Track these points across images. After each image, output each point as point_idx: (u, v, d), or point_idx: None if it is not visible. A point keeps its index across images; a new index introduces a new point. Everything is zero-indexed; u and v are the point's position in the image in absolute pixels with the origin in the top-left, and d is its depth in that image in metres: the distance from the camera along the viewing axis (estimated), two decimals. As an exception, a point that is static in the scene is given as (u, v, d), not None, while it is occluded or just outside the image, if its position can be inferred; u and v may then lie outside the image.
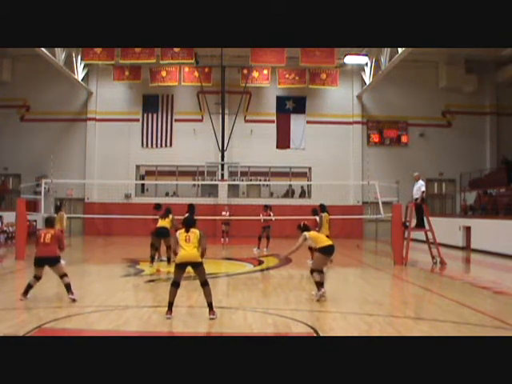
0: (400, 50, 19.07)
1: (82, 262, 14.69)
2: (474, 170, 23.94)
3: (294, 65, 23.13)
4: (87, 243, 21.24)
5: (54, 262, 7.75)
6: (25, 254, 13.46)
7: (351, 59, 23.53)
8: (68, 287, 7.72)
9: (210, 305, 6.60)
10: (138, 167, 25.98)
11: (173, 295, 6.63)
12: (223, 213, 19.55)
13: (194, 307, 7.35)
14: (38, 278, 7.74)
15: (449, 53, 23.97)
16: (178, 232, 6.83)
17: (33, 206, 20.62)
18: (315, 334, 5.70)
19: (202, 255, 6.71)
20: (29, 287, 7.66)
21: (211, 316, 6.51)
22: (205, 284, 6.64)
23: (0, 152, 24.71)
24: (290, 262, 13.27)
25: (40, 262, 7.74)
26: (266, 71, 24.08)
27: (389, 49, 20.60)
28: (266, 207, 16.78)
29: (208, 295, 6.62)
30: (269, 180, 25.74)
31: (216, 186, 24.78)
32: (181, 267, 6.66)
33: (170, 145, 25.69)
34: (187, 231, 6.73)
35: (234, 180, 25.17)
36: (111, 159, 25.31)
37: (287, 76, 24.08)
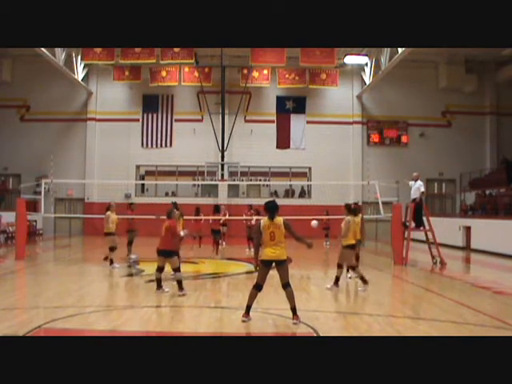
0: (400, 50, 19.08)
1: (81, 261, 14.73)
2: (474, 170, 23.94)
3: (294, 65, 23.15)
4: (87, 243, 21.23)
5: (167, 254, 8.03)
6: (25, 254, 13.49)
7: (351, 59, 23.53)
8: (179, 283, 8.01)
9: (292, 309, 6.15)
10: (137, 167, 26.00)
11: (252, 298, 6.22)
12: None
13: (194, 307, 7.35)
14: (159, 268, 8.09)
15: (449, 53, 24.00)
16: (262, 224, 6.14)
17: (33, 206, 20.64)
18: (315, 334, 5.70)
19: (301, 240, 6.15)
20: (158, 281, 8.11)
21: (294, 321, 6.09)
22: (286, 286, 6.16)
23: (0, 152, 24.73)
24: (290, 262, 13.23)
25: (158, 253, 8.13)
26: (265, 71, 24.09)
27: (389, 49, 20.61)
28: (250, 207, 16.63)
29: (290, 299, 6.15)
30: (269, 180, 25.74)
31: (216, 185, 24.78)
32: (266, 264, 6.14)
33: (170, 145, 25.71)
34: (272, 218, 6.07)
35: (234, 180, 25.16)
36: (111, 159, 25.33)
37: (287, 76, 24.09)
